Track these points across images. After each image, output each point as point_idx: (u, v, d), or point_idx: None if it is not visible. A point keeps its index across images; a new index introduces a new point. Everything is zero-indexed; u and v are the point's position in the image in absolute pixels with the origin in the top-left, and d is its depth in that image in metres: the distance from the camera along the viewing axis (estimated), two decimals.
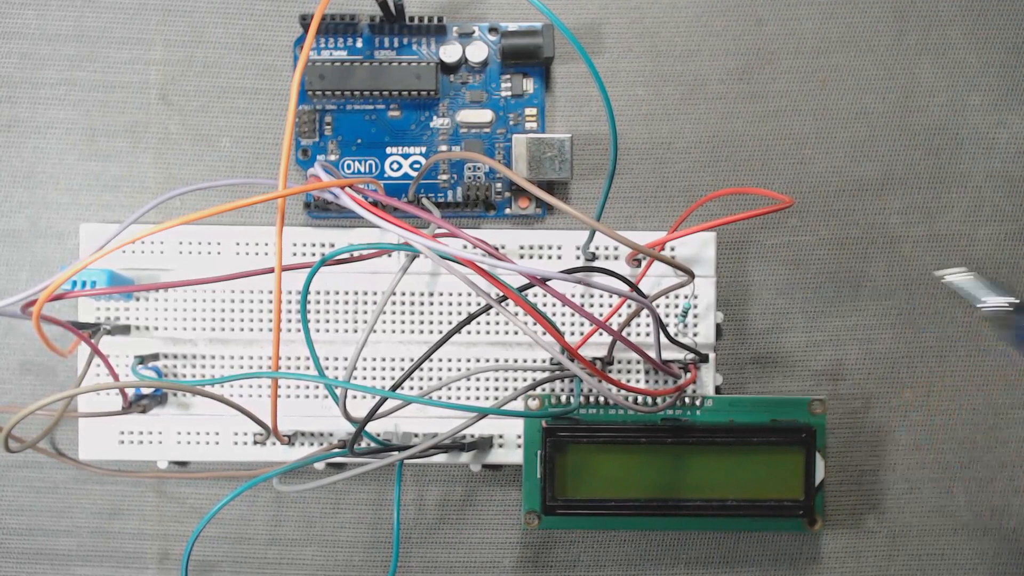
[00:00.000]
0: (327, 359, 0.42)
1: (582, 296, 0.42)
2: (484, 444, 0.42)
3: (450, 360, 0.42)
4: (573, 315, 0.42)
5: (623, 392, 0.41)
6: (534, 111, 0.43)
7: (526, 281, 0.35)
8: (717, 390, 0.42)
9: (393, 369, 0.42)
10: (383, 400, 0.36)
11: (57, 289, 0.32)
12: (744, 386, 0.44)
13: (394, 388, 0.37)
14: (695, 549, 0.44)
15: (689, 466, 0.41)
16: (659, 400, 0.40)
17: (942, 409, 0.44)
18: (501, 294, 0.35)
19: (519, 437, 0.42)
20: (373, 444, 0.40)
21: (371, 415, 0.36)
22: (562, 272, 0.34)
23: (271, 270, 0.35)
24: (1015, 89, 0.44)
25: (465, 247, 0.37)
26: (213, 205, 0.42)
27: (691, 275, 0.38)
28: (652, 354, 0.39)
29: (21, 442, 0.38)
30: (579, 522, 0.41)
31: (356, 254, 0.40)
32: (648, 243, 0.40)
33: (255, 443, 0.42)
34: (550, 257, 0.42)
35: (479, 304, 0.41)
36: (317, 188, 0.34)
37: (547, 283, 0.34)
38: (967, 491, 0.44)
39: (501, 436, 0.42)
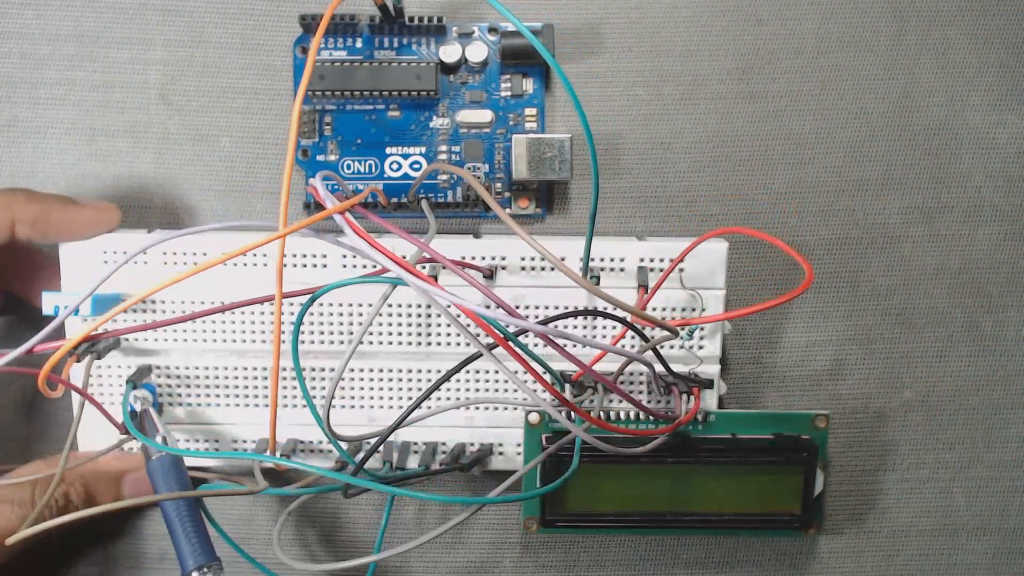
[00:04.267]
0: (322, 370, 0.41)
1: (584, 328, 0.42)
2: (484, 455, 0.42)
3: (448, 390, 0.42)
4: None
5: (622, 421, 0.40)
6: (534, 111, 0.43)
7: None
8: (720, 401, 0.42)
9: (390, 380, 0.41)
10: (376, 446, 0.37)
11: (64, 355, 0.33)
12: (744, 386, 0.44)
13: (384, 437, 0.37)
14: (694, 550, 0.44)
15: (690, 483, 0.40)
16: (660, 424, 0.40)
17: (942, 409, 0.44)
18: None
19: (519, 446, 0.42)
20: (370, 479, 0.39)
21: (367, 456, 0.37)
22: (539, 322, 0.33)
23: (271, 298, 0.35)
24: (1015, 89, 0.44)
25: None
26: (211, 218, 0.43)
27: (675, 334, 0.39)
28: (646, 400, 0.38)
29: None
30: (578, 529, 0.41)
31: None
32: (657, 255, 0.40)
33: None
34: (552, 269, 0.41)
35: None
36: (316, 220, 0.33)
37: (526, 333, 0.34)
38: (967, 491, 0.44)
39: (501, 444, 0.42)
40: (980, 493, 0.44)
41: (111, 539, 0.44)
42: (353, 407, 0.42)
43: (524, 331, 0.34)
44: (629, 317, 0.39)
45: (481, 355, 0.34)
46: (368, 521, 0.44)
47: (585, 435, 0.35)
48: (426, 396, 0.36)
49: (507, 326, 0.33)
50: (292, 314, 0.42)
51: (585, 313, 0.40)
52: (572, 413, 0.38)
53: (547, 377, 0.38)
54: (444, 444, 0.42)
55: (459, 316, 0.39)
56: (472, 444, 0.42)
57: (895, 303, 0.44)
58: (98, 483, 0.40)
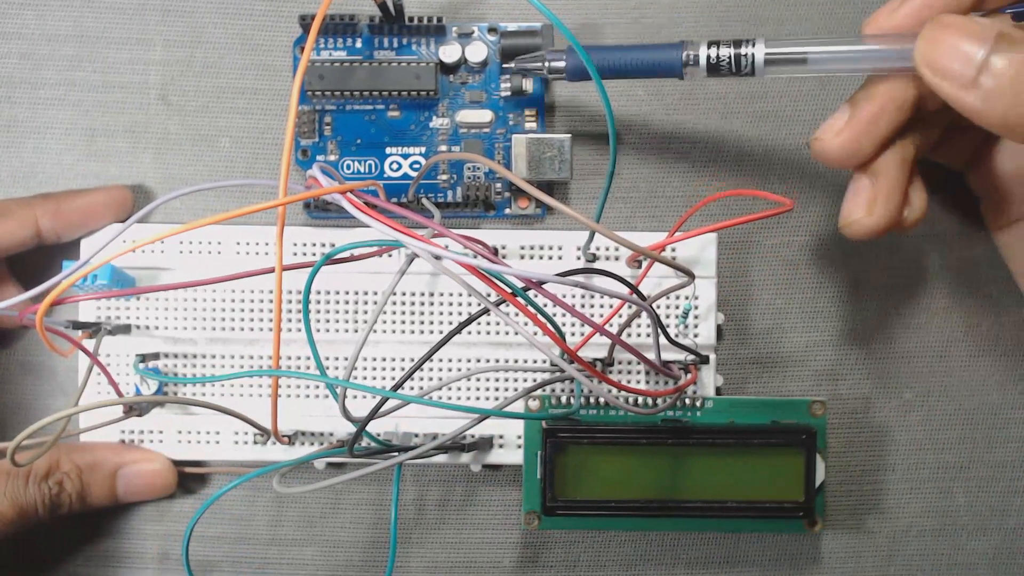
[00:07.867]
0: (327, 359, 0.42)
1: (582, 297, 0.42)
2: (484, 444, 0.42)
3: (451, 360, 0.42)
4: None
5: (622, 394, 0.41)
6: (534, 111, 0.43)
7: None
8: (718, 391, 0.42)
9: (394, 369, 0.42)
10: (384, 400, 0.36)
11: (61, 293, 0.32)
12: (744, 386, 0.44)
13: (395, 388, 0.37)
14: (695, 549, 0.44)
15: (689, 467, 0.41)
16: (659, 401, 0.40)
17: (942, 409, 0.44)
18: (498, 296, 0.35)
19: (519, 437, 0.42)
20: (373, 444, 0.40)
21: (371, 415, 0.36)
22: (558, 274, 0.34)
23: (271, 269, 0.35)
24: None
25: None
26: (213, 205, 0.43)
27: (691, 276, 0.38)
28: (652, 356, 0.39)
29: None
30: (579, 522, 0.41)
31: (357, 252, 0.40)
32: (649, 245, 0.40)
33: (255, 443, 0.42)
34: (550, 258, 0.42)
35: (480, 305, 0.41)
36: (316, 195, 0.34)
37: (543, 286, 0.34)
38: (967, 491, 0.44)
39: (501, 436, 0.42)
40: (980, 493, 0.44)
41: (102, 537, 0.43)
42: (355, 397, 0.42)
43: (542, 282, 0.34)
44: (645, 262, 0.42)
45: (488, 311, 0.35)
46: (370, 521, 0.44)
47: (583, 378, 0.36)
48: (437, 349, 0.36)
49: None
50: (292, 309, 0.42)
51: (591, 271, 0.40)
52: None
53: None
54: (444, 436, 0.42)
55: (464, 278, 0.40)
56: (473, 436, 0.42)
57: (895, 303, 0.44)
58: (94, 475, 0.40)
